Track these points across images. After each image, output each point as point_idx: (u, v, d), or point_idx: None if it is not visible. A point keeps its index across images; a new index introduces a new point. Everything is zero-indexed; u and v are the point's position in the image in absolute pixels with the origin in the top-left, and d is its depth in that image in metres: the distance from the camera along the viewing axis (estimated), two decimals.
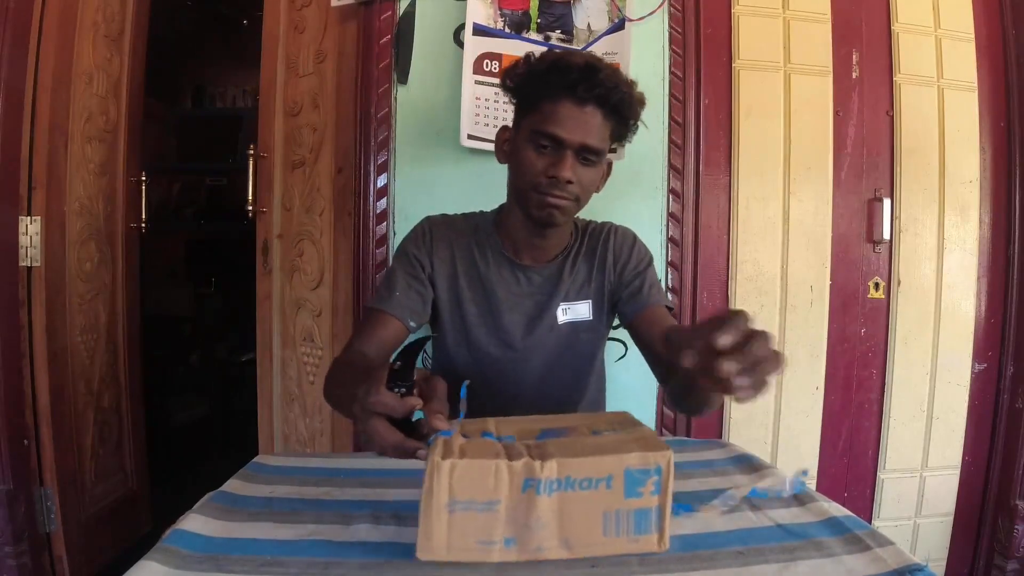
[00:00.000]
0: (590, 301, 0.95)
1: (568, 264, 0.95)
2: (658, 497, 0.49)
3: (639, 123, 0.89)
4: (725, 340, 0.44)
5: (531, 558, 0.49)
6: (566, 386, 0.97)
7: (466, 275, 0.94)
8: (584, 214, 0.98)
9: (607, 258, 0.96)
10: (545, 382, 0.95)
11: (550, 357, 0.94)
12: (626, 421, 0.59)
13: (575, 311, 0.94)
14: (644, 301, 0.92)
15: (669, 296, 1.38)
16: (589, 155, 0.84)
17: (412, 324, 0.91)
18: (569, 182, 0.83)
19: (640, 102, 0.86)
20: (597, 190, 0.92)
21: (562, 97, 0.82)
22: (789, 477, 0.63)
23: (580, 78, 0.80)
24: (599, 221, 1.01)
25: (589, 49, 1.33)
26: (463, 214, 1.01)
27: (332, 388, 0.77)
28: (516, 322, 0.94)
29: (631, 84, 0.85)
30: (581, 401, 0.98)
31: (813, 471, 1.45)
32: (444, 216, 0.99)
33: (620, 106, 0.83)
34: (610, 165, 0.94)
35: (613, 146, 0.90)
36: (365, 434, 0.53)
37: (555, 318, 0.94)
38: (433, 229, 0.96)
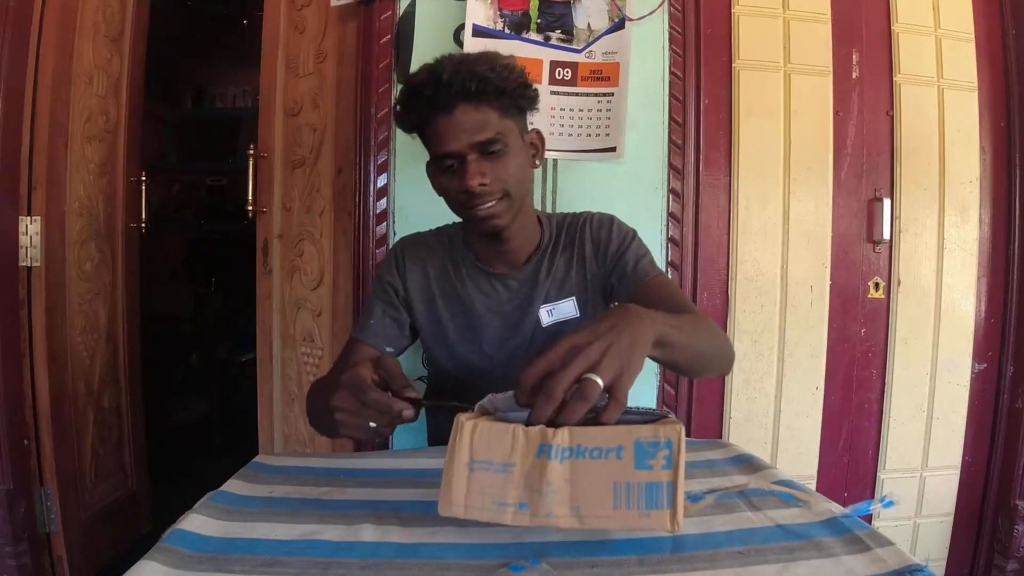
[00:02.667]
0: (574, 298, 0.93)
1: (544, 263, 0.93)
2: (669, 472, 0.48)
3: (526, 83, 0.84)
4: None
5: (542, 524, 0.50)
6: None
7: (442, 293, 0.94)
8: (585, 210, 0.98)
9: (586, 249, 0.93)
10: None
11: None
12: (661, 413, 0.59)
13: (560, 311, 0.92)
14: (635, 279, 0.89)
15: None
16: (489, 147, 0.81)
17: (389, 350, 0.92)
18: (482, 184, 0.81)
19: (505, 66, 0.81)
20: (535, 166, 0.90)
21: (432, 116, 0.81)
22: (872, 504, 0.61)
23: (432, 90, 0.79)
24: (578, 212, 0.99)
25: (589, 49, 1.33)
26: (436, 229, 1.00)
27: (312, 403, 0.83)
28: (497, 331, 0.93)
29: (486, 59, 0.81)
30: None
31: (814, 471, 1.45)
32: (416, 235, 1.00)
33: (486, 87, 0.79)
34: (539, 135, 0.91)
35: (525, 118, 0.87)
36: (350, 398, 0.59)
37: (538, 321, 0.92)
38: (405, 252, 0.96)
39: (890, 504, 0.60)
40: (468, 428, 0.51)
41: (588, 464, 0.49)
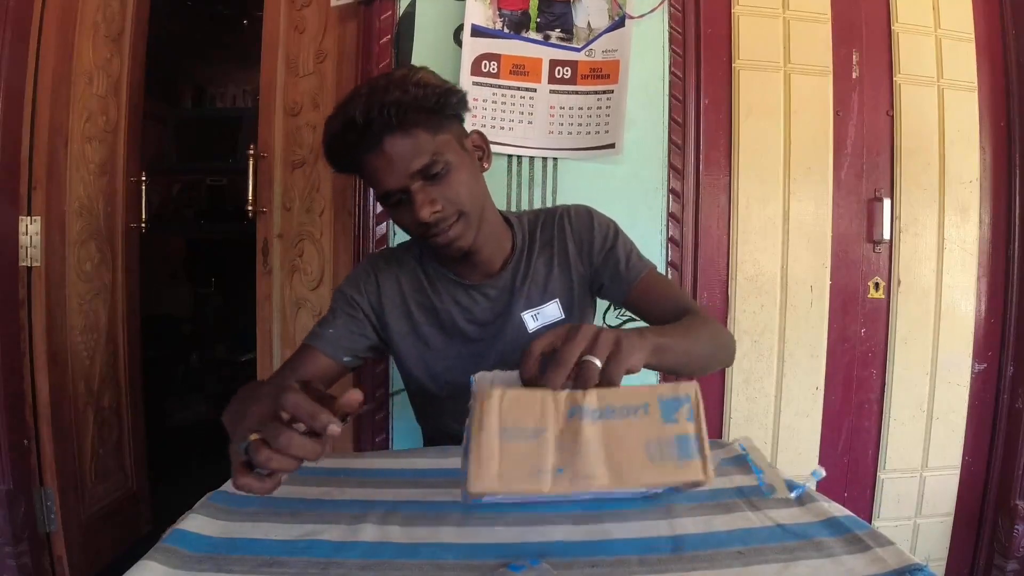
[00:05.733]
0: (557, 300, 0.90)
1: (521, 267, 0.90)
2: (693, 424, 0.50)
3: (445, 91, 0.78)
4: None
5: (582, 488, 0.49)
6: None
7: (419, 307, 0.91)
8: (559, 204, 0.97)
9: (568, 248, 0.91)
10: None
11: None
12: None
13: (544, 315, 0.90)
14: (629, 280, 0.88)
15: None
16: (430, 171, 0.77)
17: (347, 359, 0.88)
18: (435, 212, 0.77)
19: (418, 83, 0.75)
20: (484, 169, 0.87)
21: (361, 157, 0.77)
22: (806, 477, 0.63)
23: (354, 134, 0.75)
24: (550, 207, 0.96)
25: (589, 47, 1.33)
26: (406, 243, 0.96)
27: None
28: (479, 342, 0.90)
29: (396, 83, 0.75)
30: None
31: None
32: (387, 251, 0.97)
33: (406, 113, 0.74)
34: (481, 135, 0.87)
35: (460, 123, 0.83)
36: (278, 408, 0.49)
37: (522, 326, 0.89)
38: (377, 268, 0.92)
39: (816, 475, 0.63)
40: (496, 396, 0.50)
41: (619, 424, 0.50)
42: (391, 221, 1.33)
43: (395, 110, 0.73)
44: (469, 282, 0.90)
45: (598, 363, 0.52)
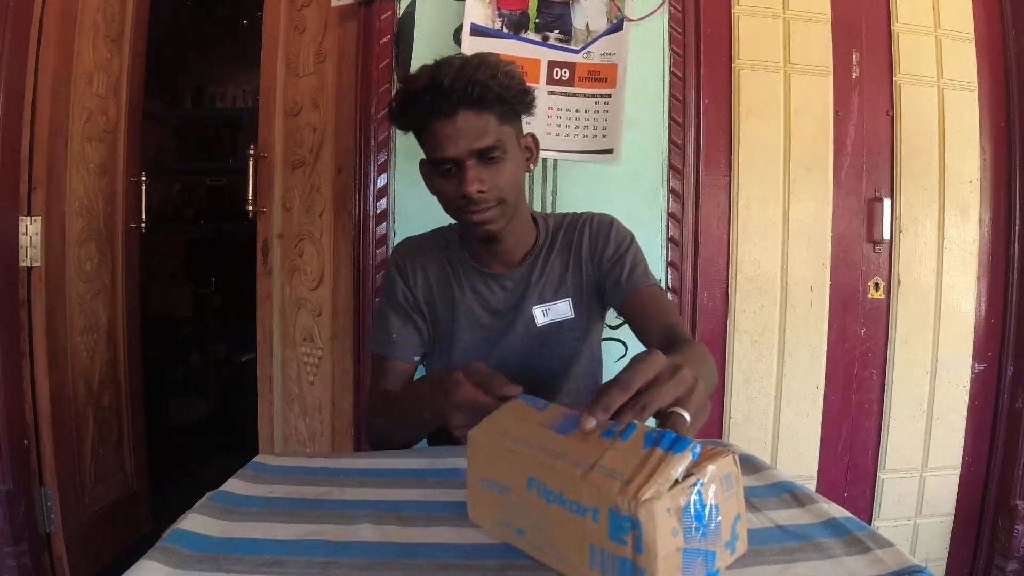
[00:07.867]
0: (569, 299, 0.93)
1: (539, 263, 0.94)
2: (641, 556, 0.39)
3: (524, 88, 0.84)
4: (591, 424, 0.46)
5: (539, 559, 0.49)
6: (548, 388, 0.94)
7: (441, 295, 0.95)
8: (584, 210, 0.99)
9: (583, 250, 0.94)
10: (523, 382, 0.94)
11: (528, 359, 0.93)
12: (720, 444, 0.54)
13: (556, 311, 0.93)
14: (628, 287, 0.90)
15: (669, 296, 1.38)
16: (488, 154, 0.81)
17: (416, 359, 0.96)
18: (480, 191, 0.81)
19: (506, 73, 0.81)
20: (529, 170, 0.91)
21: (431, 120, 0.80)
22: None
23: (432, 96, 0.78)
24: (577, 212, 0.99)
25: (587, 50, 1.33)
26: (432, 231, 1.01)
27: (386, 415, 0.89)
28: (491, 331, 0.93)
29: (487, 65, 0.80)
30: (562, 397, 0.95)
31: (814, 471, 1.45)
32: (410, 241, 1.01)
33: (487, 94, 0.78)
34: (534, 139, 0.92)
35: (521, 122, 0.88)
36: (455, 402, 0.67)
37: (531, 320, 0.93)
38: (404, 259, 0.97)
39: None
40: (479, 442, 0.52)
41: (567, 516, 0.44)
42: (391, 222, 1.33)
43: (479, 89, 0.78)
44: (489, 271, 0.94)
45: (687, 417, 0.48)
